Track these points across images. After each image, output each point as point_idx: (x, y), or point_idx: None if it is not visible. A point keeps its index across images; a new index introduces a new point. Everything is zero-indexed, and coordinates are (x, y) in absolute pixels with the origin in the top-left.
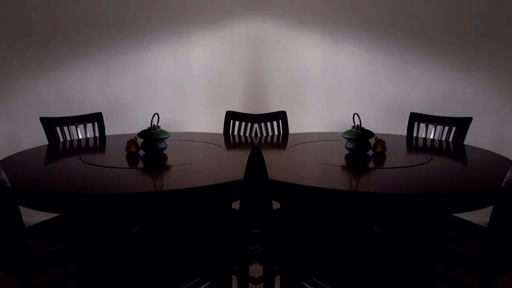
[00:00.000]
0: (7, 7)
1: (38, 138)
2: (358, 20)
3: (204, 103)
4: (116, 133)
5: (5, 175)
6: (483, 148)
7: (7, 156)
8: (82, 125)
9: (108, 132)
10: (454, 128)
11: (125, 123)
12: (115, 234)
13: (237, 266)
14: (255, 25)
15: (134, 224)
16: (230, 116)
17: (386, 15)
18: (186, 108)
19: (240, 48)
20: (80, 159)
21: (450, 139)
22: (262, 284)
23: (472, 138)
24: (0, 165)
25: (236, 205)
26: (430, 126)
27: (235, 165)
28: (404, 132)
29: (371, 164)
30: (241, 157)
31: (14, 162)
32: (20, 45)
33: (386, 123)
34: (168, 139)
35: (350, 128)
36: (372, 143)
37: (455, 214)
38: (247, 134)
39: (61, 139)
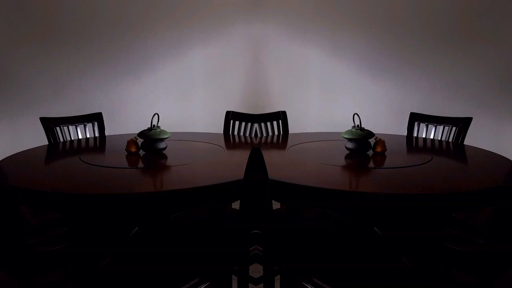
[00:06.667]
0: (8, 7)
1: (38, 138)
2: (358, 21)
3: (204, 103)
4: (116, 133)
5: (5, 175)
6: (483, 148)
7: (7, 156)
8: (82, 125)
9: (108, 132)
10: (454, 128)
11: (125, 123)
12: (115, 234)
13: (237, 266)
14: (255, 26)
15: (134, 224)
16: (230, 116)
17: (386, 16)
18: (186, 108)
19: (240, 49)
20: (80, 159)
21: (450, 139)
22: (262, 284)
23: (472, 138)
24: (0, 165)
25: (236, 205)
26: (430, 126)
27: (235, 165)
28: (404, 132)
29: (371, 164)
30: (241, 157)
31: (14, 162)
32: (21, 45)
33: (386, 123)
34: (168, 139)
35: (350, 128)
36: (372, 143)
37: (455, 214)
38: (247, 134)
39: (61, 139)
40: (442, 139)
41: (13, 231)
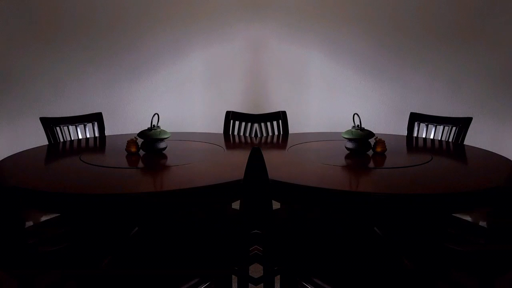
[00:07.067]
0: (8, 7)
1: (38, 138)
2: (358, 21)
3: (204, 103)
4: (116, 133)
5: (5, 175)
6: (483, 148)
7: (7, 156)
8: (82, 125)
9: (108, 132)
10: (454, 128)
11: (125, 123)
12: (115, 234)
13: (237, 266)
14: (256, 26)
15: (134, 224)
16: (230, 116)
17: (386, 16)
18: (186, 108)
19: (241, 49)
20: (80, 159)
21: (450, 139)
22: (262, 284)
23: (472, 138)
24: (0, 165)
25: (236, 205)
26: (430, 126)
27: (235, 165)
28: (404, 132)
29: (371, 164)
30: (241, 157)
31: (14, 162)
32: (21, 45)
33: (386, 123)
34: (168, 139)
35: (350, 128)
36: (372, 143)
37: (455, 214)
38: (247, 134)
39: (61, 139)
40: (442, 139)
41: (13, 231)
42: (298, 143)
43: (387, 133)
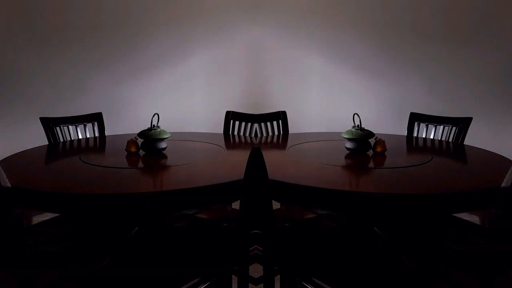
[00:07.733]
0: (9, 8)
1: (38, 138)
2: (358, 22)
3: (204, 103)
4: (116, 133)
5: (5, 175)
6: (483, 148)
7: (7, 156)
8: (82, 125)
9: (108, 132)
10: (454, 128)
11: (125, 123)
12: (115, 234)
13: (237, 266)
14: (256, 27)
15: (134, 224)
16: (230, 116)
17: (387, 16)
18: (186, 108)
19: (241, 49)
20: (80, 159)
21: (450, 139)
22: (262, 284)
23: (472, 138)
24: (0, 165)
25: (236, 205)
26: (430, 126)
27: (235, 165)
28: (404, 132)
29: (371, 164)
30: (241, 157)
31: (14, 162)
32: (21, 45)
33: (386, 123)
34: (168, 139)
35: (350, 128)
36: (372, 143)
37: (455, 214)
38: (247, 134)
39: (61, 139)
40: (442, 139)
41: (13, 231)
42: (298, 143)
43: (387, 133)
